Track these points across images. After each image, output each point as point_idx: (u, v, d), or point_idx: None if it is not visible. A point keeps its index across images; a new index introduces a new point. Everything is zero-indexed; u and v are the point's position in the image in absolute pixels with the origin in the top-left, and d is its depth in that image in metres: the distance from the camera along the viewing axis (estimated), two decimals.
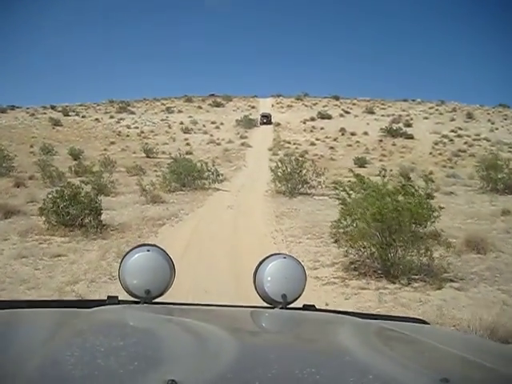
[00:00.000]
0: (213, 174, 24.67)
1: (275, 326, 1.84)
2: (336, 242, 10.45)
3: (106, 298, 1.87)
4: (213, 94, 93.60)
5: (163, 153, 45.03)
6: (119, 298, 1.88)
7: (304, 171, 23.03)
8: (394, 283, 8.60)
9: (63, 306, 1.83)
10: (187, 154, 39.19)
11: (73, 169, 30.05)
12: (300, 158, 23.74)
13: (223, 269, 9.49)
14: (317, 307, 2.08)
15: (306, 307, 2.02)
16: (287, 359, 1.28)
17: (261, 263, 2.06)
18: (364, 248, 9.50)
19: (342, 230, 10.11)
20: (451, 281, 8.71)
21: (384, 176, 12.84)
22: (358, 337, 1.55)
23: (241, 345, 1.33)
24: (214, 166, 26.61)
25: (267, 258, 2.07)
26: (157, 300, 1.88)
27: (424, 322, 2.18)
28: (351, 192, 10.62)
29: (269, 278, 1.98)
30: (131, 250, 1.97)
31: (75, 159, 38.99)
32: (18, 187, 22.11)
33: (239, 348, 1.28)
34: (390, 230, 9.09)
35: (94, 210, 12.74)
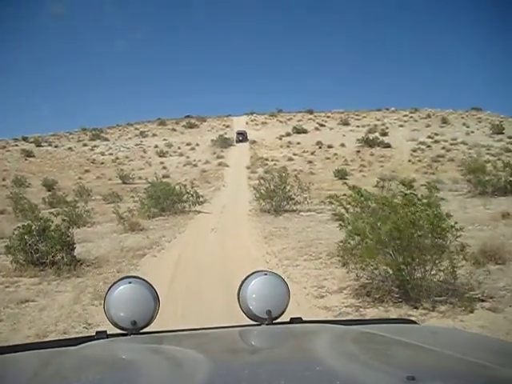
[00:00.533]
0: (192, 196, 23.74)
1: (259, 342, 1.87)
2: (344, 265, 8.99)
3: (94, 334, 1.91)
4: (188, 116, 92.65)
5: (140, 178, 44.38)
6: (108, 332, 1.91)
7: (288, 187, 22.20)
8: (417, 308, 7.50)
9: (51, 346, 1.83)
10: (164, 177, 38.68)
11: (46, 200, 29.01)
12: (283, 174, 22.78)
13: (218, 311, 7.40)
14: (304, 319, 2.11)
15: (292, 320, 2.07)
16: (261, 373, 1.29)
17: (244, 281, 2.09)
18: (376, 269, 8.36)
19: (350, 251, 8.87)
20: (481, 300, 7.60)
21: (383, 187, 11.96)
22: (334, 344, 1.63)
23: (220, 360, 1.48)
24: (192, 187, 25.67)
25: (250, 275, 2.10)
26: (144, 330, 1.92)
27: (413, 322, 2.34)
28: (348, 206, 9.64)
29: (253, 296, 2.02)
30: (115, 283, 2.00)
31: (49, 190, 38.36)
32: None
33: (214, 367, 1.32)
34: (407, 247, 8.03)
35: (66, 245, 11.59)
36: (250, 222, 19.21)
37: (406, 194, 8.80)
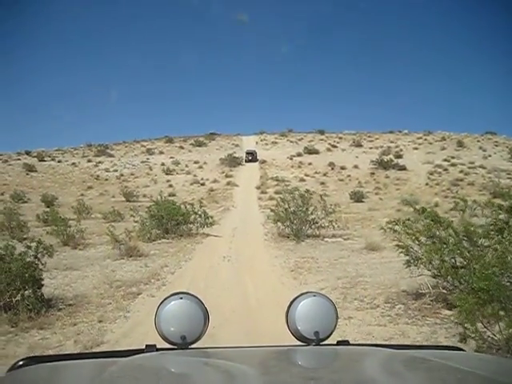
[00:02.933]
0: (200, 216, 21.10)
1: (307, 362, 1.85)
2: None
3: (144, 347, 1.96)
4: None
5: (144, 196, 42.86)
6: (157, 346, 1.96)
7: (311, 209, 19.59)
8: None
9: (103, 357, 1.92)
10: (170, 195, 36.87)
11: (40, 217, 26.67)
12: (305, 194, 20.23)
13: None
14: (351, 342, 2.15)
15: (339, 343, 2.10)
16: None
17: (292, 302, 2.13)
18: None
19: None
20: None
21: (463, 210, 9.62)
22: (383, 366, 1.64)
23: (269, 378, 1.50)
24: (201, 207, 23.10)
25: (298, 296, 2.14)
26: (193, 346, 1.99)
27: (459, 349, 2.28)
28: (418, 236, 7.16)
29: (301, 317, 2.05)
30: (166, 299, 2.07)
31: (48, 206, 36.33)
32: None
33: (267, 380, 1.42)
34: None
35: (29, 281, 8.74)
36: (269, 249, 16.54)
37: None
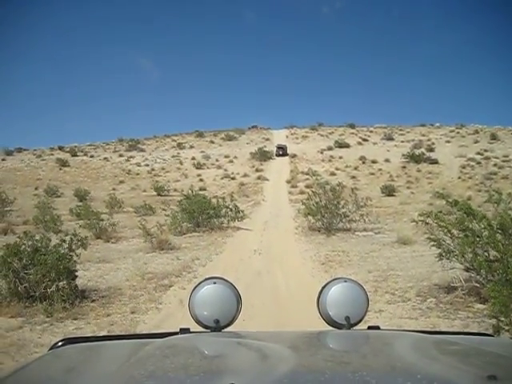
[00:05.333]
0: (231, 210, 21.11)
1: (338, 346, 1.85)
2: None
3: (178, 330, 2.01)
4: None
5: (175, 190, 42.81)
6: (191, 330, 2.01)
7: (342, 202, 19.43)
8: None
9: (140, 338, 2.06)
10: (201, 190, 36.94)
11: (74, 211, 27.03)
12: (337, 187, 20.04)
13: None
14: (382, 328, 2.14)
15: (370, 328, 2.10)
16: (341, 368, 1.39)
17: (323, 287, 2.18)
18: None
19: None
20: None
21: (497, 203, 9.51)
22: (415, 349, 1.63)
23: (301, 359, 1.51)
24: (232, 201, 23.11)
25: (329, 282, 2.19)
26: (226, 330, 2.02)
27: (489, 335, 2.38)
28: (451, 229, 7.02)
29: (332, 302, 2.08)
30: (200, 283, 2.14)
31: (81, 200, 36.96)
32: (5, 234, 19.29)
33: (299, 361, 1.44)
34: None
35: (64, 272, 8.81)
36: (299, 243, 16.46)
37: None
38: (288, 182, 45.95)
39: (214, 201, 21.78)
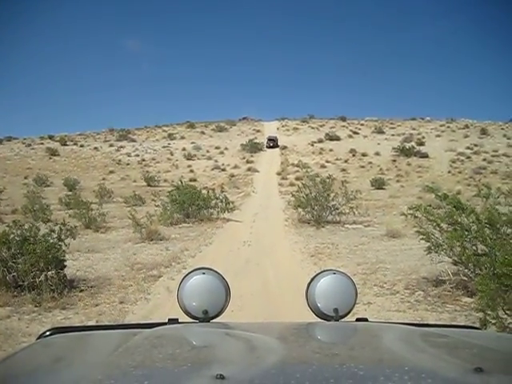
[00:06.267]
0: (221, 201, 21.07)
1: (326, 337, 1.86)
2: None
3: (166, 321, 2.02)
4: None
5: (165, 181, 42.78)
6: (179, 320, 2.02)
7: (332, 195, 19.49)
8: None
9: (128, 328, 1.99)
10: (191, 180, 37.11)
11: (63, 200, 26.96)
12: (327, 180, 20.06)
13: None
14: (370, 320, 2.14)
15: (358, 320, 2.11)
16: (329, 359, 1.39)
17: (312, 279, 2.19)
18: None
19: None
20: None
21: (486, 198, 9.55)
22: (403, 340, 1.63)
23: (289, 350, 1.48)
24: (222, 192, 23.10)
25: (318, 274, 2.21)
26: (215, 320, 2.02)
27: (476, 328, 2.39)
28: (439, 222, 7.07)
29: (321, 294, 2.09)
30: (189, 273, 2.14)
31: (70, 190, 36.84)
32: None
33: (287, 353, 1.42)
34: None
35: (52, 262, 8.78)
36: (289, 235, 16.46)
37: None
38: (278, 173, 46.03)
39: (204, 192, 21.76)
